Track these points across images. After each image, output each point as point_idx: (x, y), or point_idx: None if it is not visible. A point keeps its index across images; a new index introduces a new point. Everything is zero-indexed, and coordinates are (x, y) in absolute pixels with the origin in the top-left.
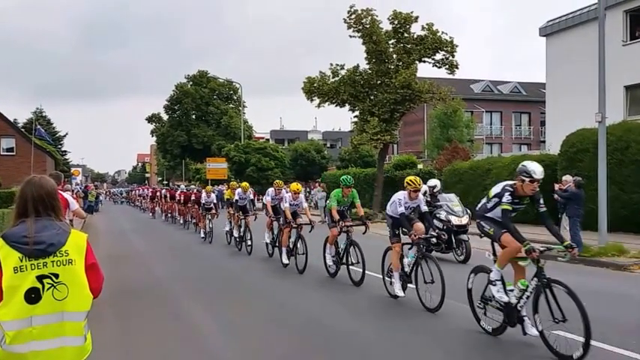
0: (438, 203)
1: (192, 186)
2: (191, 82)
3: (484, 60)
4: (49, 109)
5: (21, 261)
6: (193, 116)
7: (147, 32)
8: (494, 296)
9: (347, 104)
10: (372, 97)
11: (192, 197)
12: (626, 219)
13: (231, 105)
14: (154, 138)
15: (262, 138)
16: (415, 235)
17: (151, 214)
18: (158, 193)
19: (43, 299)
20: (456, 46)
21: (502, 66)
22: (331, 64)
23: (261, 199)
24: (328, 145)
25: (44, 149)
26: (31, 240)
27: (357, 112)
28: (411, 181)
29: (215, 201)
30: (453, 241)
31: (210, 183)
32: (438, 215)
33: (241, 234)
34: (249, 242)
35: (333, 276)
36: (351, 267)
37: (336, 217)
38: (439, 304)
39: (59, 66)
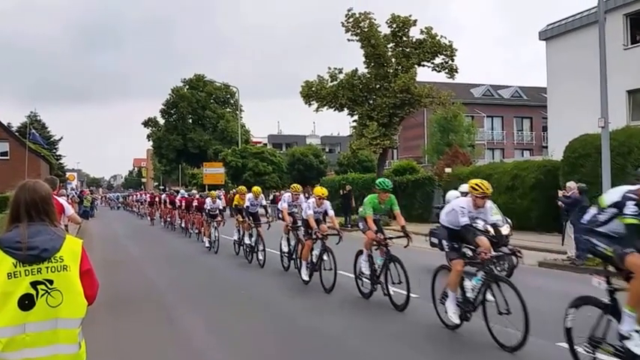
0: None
1: (194, 191)
2: (187, 86)
3: (484, 64)
4: (44, 113)
5: (15, 267)
6: (190, 120)
7: (143, 36)
8: (631, 352)
9: (345, 108)
10: (370, 102)
11: (195, 203)
12: None
13: (228, 109)
14: (150, 142)
15: (260, 142)
16: (485, 253)
17: (149, 221)
18: (157, 199)
19: (37, 306)
20: (456, 50)
21: (502, 70)
22: (329, 68)
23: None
24: (327, 149)
25: (39, 153)
26: (25, 245)
27: (355, 117)
28: (477, 185)
29: (221, 207)
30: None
31: (208, 188)
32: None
33: (252, 244)
34: (260, 254)
35: (368, 297)
36: (391, 287)
37: (373, 227)
38: (522, 341)
39: (54, 69)
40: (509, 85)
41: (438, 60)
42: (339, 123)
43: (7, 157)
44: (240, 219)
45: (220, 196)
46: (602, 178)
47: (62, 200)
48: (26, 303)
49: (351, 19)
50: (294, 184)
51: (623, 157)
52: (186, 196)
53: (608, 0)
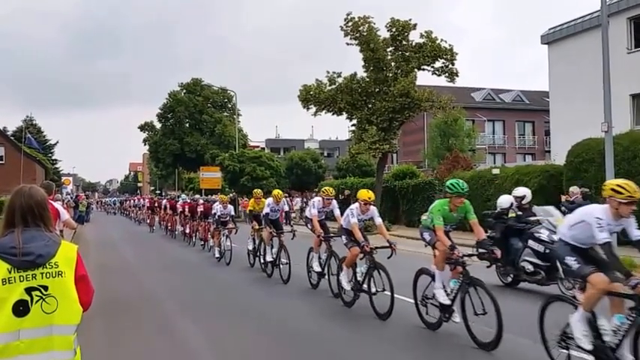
0: (534, 218)
1: (197, 195)
2: (185, 90)
3: (485, 68)
4: (40, 118)
5: (9, 272)
6: (187, 124)
7: (140, 41)
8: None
9: (344, 113)
10: (370, 106)
11: (201, 209)
12: None
13: (225, 113)
14: (147, 147)
15: (257, 147)
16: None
17: (148, 227)
18: (157, 204)
19: (32, 312)
20: (456, 53)
21: (504, 74)
22: (328, 72)
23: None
24: (325, 154)
25: (34, 158)
26: (20, 251)
27: (354, 121)
28: (621, 186)
29: (232, 213)
30: (560, 269)
31: (204, 192)
32: (537, 235)
33: (274, 256)
34: (284, 268)
35: (431, 330)
36: (475, 317)
37: (447, 241)
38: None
39: (50, 74)
40: (510, 89)
41: (438, 64)
42: (337, 127)
43: (3, 162)
44: (257, 226)
45: (209, 201)
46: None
47: (58, 205)
48: (21, 309)
49: (350, 23)
50: (327, 187)
51: (627, 162)
52: (189, 200)
53: (611, 3)
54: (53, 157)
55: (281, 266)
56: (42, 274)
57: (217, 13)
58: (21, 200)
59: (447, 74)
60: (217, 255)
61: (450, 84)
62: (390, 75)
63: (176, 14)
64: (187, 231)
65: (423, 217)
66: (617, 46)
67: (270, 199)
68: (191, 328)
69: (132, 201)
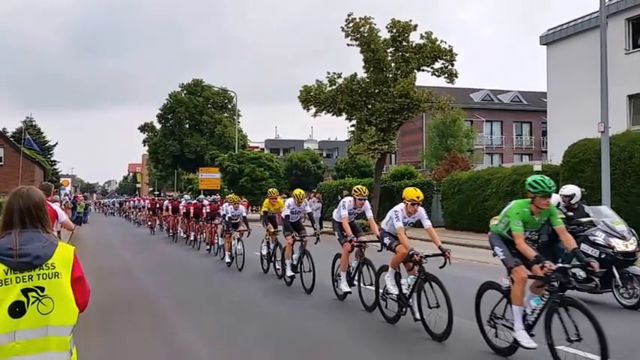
0: (586, 219)
1: (202, 196)
2: (185, 91)
3: (484, 69)
4: (39, 119)
5: (6, 274)
6: (187, 125)
7: (140, 42)
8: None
9: (344, 113)
10: (369, 106)
11: (207, 209)
12: None
13: (225, 114)
14: (146, 147)
15: (257, 147)
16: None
17: (149, 230)
18: (158, 205)
19: (28, 313)
20: (455, 54)
21: (502, 75)
22: (328, 73)
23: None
24: (324, 154)
25: (33, 159)
26: (17, 252)
27: (354, 122)
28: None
29: (244, 214)
30: (616, 275)
31: (203, 193)
32: (593, 238)
33: (294, 262)
34: (306, 276)
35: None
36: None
37: (531, 252)
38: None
39: (50, 75)
40: (509, 89)
41: (437, 65)
42: (336, 128)
43: (2, 163)
44: (272, 229)
45: (217, 201)
46: (602, 184)
47: (56, 206)
48: (17, 310)
49: (351, 24)
50: (360, 186)
51: (623, 163)
52: (194, 201)
53: (610, 5)
54: (52, 159)
55: (303, 274)
56: (38, 275)
57: (218, 15)
58: (19, 201)
59: (446, 75)
60: (228, 260)
61: (449, 85)
62: (390, 76)
63: (177, 17)
64: (192, 233)
65: (493, 223)
66: (615, 47)
67: (290, 200)
68: (192, 336)
69: (131, 202)
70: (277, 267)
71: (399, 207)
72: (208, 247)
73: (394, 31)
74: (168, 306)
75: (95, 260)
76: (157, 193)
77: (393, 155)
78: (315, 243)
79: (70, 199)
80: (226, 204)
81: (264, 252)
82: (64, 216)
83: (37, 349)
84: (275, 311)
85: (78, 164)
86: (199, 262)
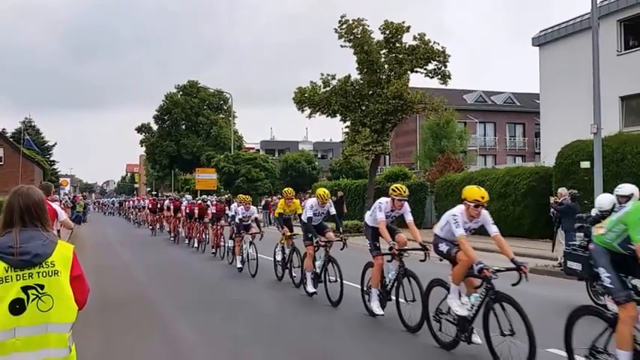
0: None
1: (205, 196)
2: (181, 92)
3: (477, 70)
4: (39, 119)
5: (6, 271)
6: (183, 126)
7: (137, 42)
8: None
9: (338, 114)
10: (363, 108)
11: (213, 210)
12: None
13: (221, 115)
14: (143, 148)
15: (252, 148)
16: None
17: (150, 231)
18: (159, 205)
19: (28, 310)
20: (449, 56)
21: (495, 76)
22: (322, 75)
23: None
24: (319, 155)
25: (32, 159)
26: (17, 250)
27: (348, 123)
28: (396, 187)
29: (256, 215)
30: None
31: (200, 193)
32: None
33: (317, 270)
34: (330, 285)
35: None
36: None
37: None
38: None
39: (49, 76)
40: (502, 91)
41: (430, 66)
42: (331, 129)
43: (2, 163)
44: (288, 233)
45: (210, 203)
46: (594, 185)
47: (55, 205)
48: (17, 307)
49: (344, 26)
50: (398, 185)
51: (616, 164)
52: (198, 202)
53: (601, 6)
54: (51, 159)
55: (329, 284)
56: (38, 273)
57: (213, 16)
58: (19, 200)
59: (439, 76)
60: (239, 265)
61: (443, 86)
62: (384, 77)
63: (173, 16)
64: (197, 236)
65: (599, 232)
66: (607, 49)
67: (312, 200)
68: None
69: (131, 202)
70: (293, 274)
71: (458, 210)
72: (214, 250)
73: (387, 32)
74: (174, 314)
75: (95, 260)
76: (154, 193)
77: (387, 156)
78: (342, 249)
79: (69, 198)
80: (235, 204)
81: (279, 257)
82: (63, 215)
83: (37, 346)
84: (296, 325)
85: (77, 164)
86: (206, 266)
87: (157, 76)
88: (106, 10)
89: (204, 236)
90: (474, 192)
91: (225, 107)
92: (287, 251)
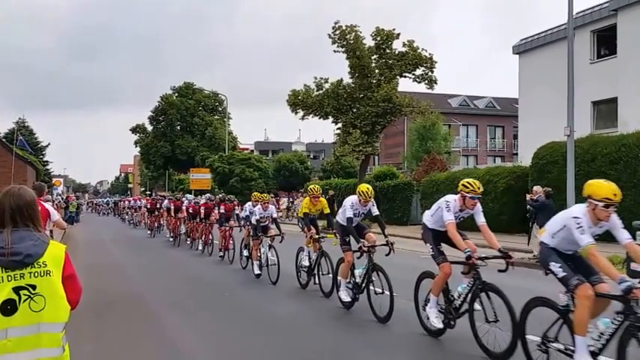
0: None
1: (209, 194)
2: (176, 94)
3: (461, 76)
4: (32, 119)
5: None
6: (178, 127)
7: (132, 43)
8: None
9: (330, 117)
10: (354, 110)
11: (222, 210)
12: None
13: (216, 116)
14: (138, 149)
15: (246, 149)
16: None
17: (149, 232)
18: (159, 205)
19: (20, 311)
20: (435, 62)
21: (478, 82)
22: (315, 78)
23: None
24: (311, 156)
25: (26, 159)
26: (8, 251)
27: (339, 125)
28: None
29: (274, 215)
30: None
31: (194, 193)
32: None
33: (358, 279)
34: (375, 299)
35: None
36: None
37: None
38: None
39: (43, 76)
40: (484, 95)
41: (418, 71)
42: (323, 130)
43: None
44: (315, 235)
45: (232, 200)
46: (567, 184)
47: (48, 205)
48: (8, 308)
49: (337, 32)
50: (472, 180)
51: (587, 164)
52: (204, 201)
53: (577, 17)
54: (44, 159)
55: (373, 296)
56: (30, 273)
57: (208, 20)
58: (10, 201)
59: (426, 81)
60: (257, 271)
61: (429, 91)
62: (374, 81)
63: (169, 18)
64: (202, 237)
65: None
66: (581, 57)
67: (353, 198)
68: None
69: (127, 202)
70: (318, 281)
71: (579, 211)
72: (222, 253)
73: (378, 38)
74: (181, 322)
75: (88, 259)
76: (148, 193)
77: (376, 157)
78: (388, 255)
79: (62, 198)
80: (250, 203)
81: (305, 263)
82: (56, 215)
83: (30, 346)
84: (338, 345)
85: (70, 164)
86: (215, 271)
87: (151, 78)
88: (101, 10)
89: (210, 238)
90: (607, 189)
91: (221, 109)
92: (313, 256)
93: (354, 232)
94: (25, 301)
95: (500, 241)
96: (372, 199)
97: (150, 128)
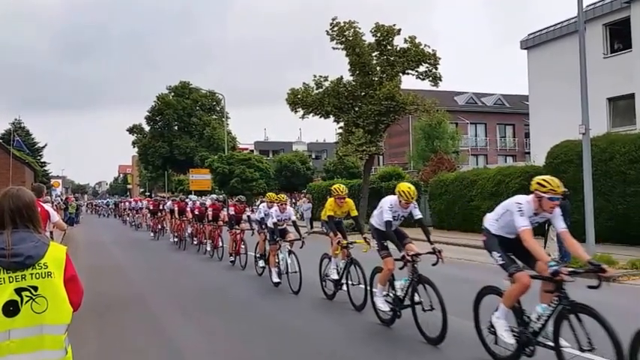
0: None
1: (214, 195)
2: (173, 93)
3: (468, 73)
4: (28, 120)
5: None
6: (175, 127)
7: (129, 43)
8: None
9: (331, 115)
10: (356, 109)
11: (232, 211)
12: (613, 230)
13: (214, 116)
14: (136, 149)
15: (246, 149)
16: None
17: (152, 234)
18: (162, 206)
19: (22, 312)
20: (439, 58)
21: (485, 78)
22: (315, 76)
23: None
24: (313, 156)
25: (23, 160)
26: (9, 252)
27: (341, 124)
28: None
29: (293, 218)
30: None
31: (194, 194)
32: None
33: (401, 293)
34: (423, 311)
35: None
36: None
37: None
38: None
39: (39, 76)
40: (492, 92)
41: (422, 68)
42: (325, 129)
43: None
44: (344, 242)
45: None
46: (584, 184)
47: (47, 206)
48: (11, 309)
49: (335, 28)
50: (549, 177)
51: (604, 163)
52: (209, 202)
53: (587, 10)
54: (42, 160)
55: (420, 312)
56: (31, 274)
57: (204, 18)
58: (9, 202)
59: (430, 78)
60: (276, 279)
61: (434, 88)
62: (376, 79)
63: (165, 16)
64: (210, 240)
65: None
66: (593, 51)
67: (392, 199)
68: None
69: (127, 203)
70: (348, 292)
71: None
72: (232, 258)
73: (378, 35)
74: (198, 346)
75: (89, 260)
76: (148, 193)
77: (380, 157)
78: (435, 264)
79: (61, 200)
80: (264, 205)
81: (334, 276)
82: (56, 216)
83: (32, 348)
84: None
85: (68, 165)
86: (228, 278)
87: (148, 77)
88: (97, 9)
89: (220, 241)
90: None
91: (218, 108)
92: (341, 264)
93: (395, 237)
94: (27, 302)
95: None
96: (415, 201)
97: (147, 128)
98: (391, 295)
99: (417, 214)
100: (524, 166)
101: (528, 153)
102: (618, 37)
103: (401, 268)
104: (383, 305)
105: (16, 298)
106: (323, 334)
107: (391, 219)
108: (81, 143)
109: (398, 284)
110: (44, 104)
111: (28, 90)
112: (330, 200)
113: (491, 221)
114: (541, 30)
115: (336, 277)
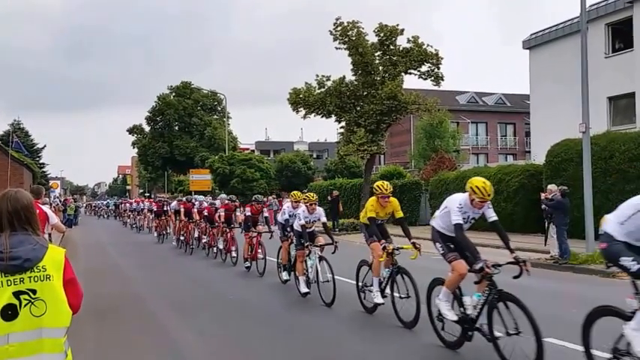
0: None
1: (223, 195)
2: (174, 93)
3: (469, 72)
4: (27, 121)
5: None
6: (176, 127)
7: (129, 43)
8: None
9: (333, 115)
10: (358, 108)
11: (248, 212)
12: None
13: (215, 116)
14: (135, 150)
15: (247, 149)
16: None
17: (156, 237)
18: (165, 208)
19: (21, 316)
20: (441, 58)
21: (487, 78)
22: (317, 76)
23: (243, 212)
24: (314, 155)
25: (22, 162)
26: (7, 255)
27: (343, 123)
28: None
29: (324, 219)
30: None
31: (194, 194)
32: None
33: (473, 313)
34: (505, 339)
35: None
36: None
37: None
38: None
39: (38, 77)
40: (493, 92)
41: (424, 68)
42: (326, 129)
43: None
44: (390, 248)
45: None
46: (584, 182)
47: (46, 208)
48: (9, 313)
49: (339, 28)
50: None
51: (604, 162)
52: (219, 203)
53: (590, 10)
54: (41, 161)
55: (499, 338)
56: (30, 277)
57: (206, 18)
58: (7, 204)
59: (432, 78)
60: (304, 289)
61: (436, 87)
62: (378, 78)
63: (165, 17)
64: (225, 244)
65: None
66: (595, 51)
67: (461, 198)
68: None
69: (128, 204)
70: (393, 306)
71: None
72: (248, 263)
73: (381, 35)
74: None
75: (87, 263)
76: (147, 194)
77: (382, 156)
78: (517, 277)
79: (60, 201)
80: (288, 204)
81: (375, 289)
82: (55, 218)
83: (31, 352)
84: None
85: (66, 167)
86: (243, 285)
87: (148, 77)
88: (98, 10)
89: (234, 245)
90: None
91: (220, 108)
92: (385, 273)
93: (469, 242)
94: (25, 305)
95: (515, 241)
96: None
97: (147, 129)
98: (458, 314)
99: (492, 216)
100: (524, 165)
101: (529, 152)
102: (620, 37)
103: (477, 282)
104: (449, 313)
105: (15, 301)
106: (367, 355)
107: (461, 221)
108: (80, 144)
109: (468, 300)
110: (44, 105)
111: (27, 90)
112: (372, 200)
113: (436, 220)
114: (543, 30)
115: (375, 289)
